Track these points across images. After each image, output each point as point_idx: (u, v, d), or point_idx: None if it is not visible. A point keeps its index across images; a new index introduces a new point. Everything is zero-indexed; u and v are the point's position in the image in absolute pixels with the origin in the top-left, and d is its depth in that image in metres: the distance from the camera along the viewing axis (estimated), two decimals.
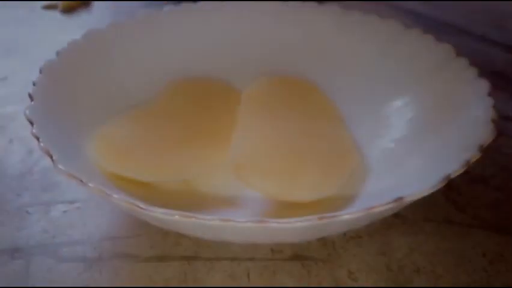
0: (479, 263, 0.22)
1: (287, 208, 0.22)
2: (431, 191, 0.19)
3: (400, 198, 0.18)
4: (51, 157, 0.20)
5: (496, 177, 0.27)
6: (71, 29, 0.41)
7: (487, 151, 0.21)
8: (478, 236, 0.24)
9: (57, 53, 0.26)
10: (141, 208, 0.18)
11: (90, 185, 0.19)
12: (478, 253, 0.23)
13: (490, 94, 0.23)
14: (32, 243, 0.24)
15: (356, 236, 0.24)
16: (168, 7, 0.32)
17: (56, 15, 0.44)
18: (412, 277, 0.22)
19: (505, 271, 0.22)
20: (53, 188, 0.27)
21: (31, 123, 0.21)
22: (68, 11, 0.44)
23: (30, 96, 0.23)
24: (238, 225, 0.17)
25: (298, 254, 0.23)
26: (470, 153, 0.20)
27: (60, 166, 0.19)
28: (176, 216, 0.17)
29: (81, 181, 0.19)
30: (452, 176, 0.19)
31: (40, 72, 0.25)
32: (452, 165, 0.19)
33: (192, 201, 0.23)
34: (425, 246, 0.23)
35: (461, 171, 0.19)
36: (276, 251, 0.23)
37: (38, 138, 0.21)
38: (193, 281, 0.22)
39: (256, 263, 0.22)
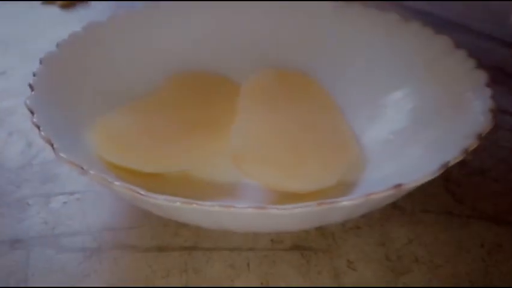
0: (478, 253, 0.23)
1: (287, 198, 0.22)
2: (430, 178, 0.19)
3: (399, 185, 0.18)
4: (52, 145, 0.20)
5: (494, 170, 0.27)
6: (69, 23, 0.41)
7: (485, 144, 0.21)
8: (477, 226, 0.24)
9: (58, 45, 0.26)
10: (142, 195, 0.18)
11: (91, 172, 0.19)
12: (477, 243, 0.23)
13: (488, 85, 0.23)
14: (32, 234, 0.24)
15: (354, 226, 0.24)
16: (167, 1, 0.32)
17: (54, 10, 0.44)
18: (411, 267, 0.22)
19: (503, 261, 0.22)
20: (53, 180, 0.27)
21: (32, 112, 0.21)
22: (66, 7, 0.44)
23: (31, 87, 0.23)
24: (238, 211, 0.17)
25: (297, 244, 0.23)
26: (469, 142, 0.20)
27: (61, 154, 0.19)
28: (177, 203, 0.17)
29: (82, 169, 0.19)
30: (452, 163, 0.19)
31: (40, 63, 0.25)
32: (451, 153, 0.20)
33: (192, 191, 0.23)
34: (423, 236, 0.23)
35: (460, 158, 0.20)
36: (276, 241, 0.23)
37: (38, 127, 0.21)
38: (193, 271, 0.22)
39: (256, 253, 0.23)
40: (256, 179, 0.23)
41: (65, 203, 0.25)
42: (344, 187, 0.23)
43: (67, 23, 0.42)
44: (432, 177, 0.19)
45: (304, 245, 0.23)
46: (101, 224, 0.24)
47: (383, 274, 0.22)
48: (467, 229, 0.24)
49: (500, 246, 0.23)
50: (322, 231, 0.23)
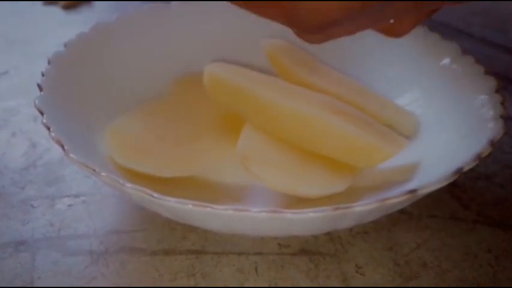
0: (485, 258, 0.23)
1: (297, 202, 0.22)
2: (443, 184, 0.19)
3: (414, 191, 0.18)
4: (62, 147, 0.20)
5: (499, 175, 0.27)
6: (72, 24, 0.41)
7: None
8: (483, 232, 0.24)
9: (65, 44, 0.26)
10: (155, 198, 0.18)
11: (103, 174, 0.19)
12: (484, 249, 0.23)
13: (497, 91, 0.23)
14: (37, 237, 0.23)
15: (362, 231, 0.24)
16: (176, 1, 0.31)
17: (57, 10, 0.44)
18: (419, 272, 0.22)
19: (510, 267, 0.22)
20: (58, 182, 0.26)
21: (41, 113, 0.21)
22: (69, 7, 0.44)
23: (40, 87, 0.23)
24: (252, 215, 0.17)
25: (305, 249, 0.23)
26: (482, 148, 0.20)
27: (72, 156, 0.19)
28: (190, 206, 0.17)
29: (94, 171, 0.19)
30: (465, 170, 0.19)
31: (48, 63, 0.25)
32: (463, 159, 0.20)
33: (200, 194, 0.23)
34: (431, 241, 0.23)
35: (473, 164, 0.20)
36: (283, 246, 0.23)
37: (49, 128, 0.20)
38: (201, 275, 0.22)
39: (264, 257, 0.23)
40: (263, 181, 0.23)
41: (70, 205, 0.25)
42: (356, 191, 0.23)
43: (69, 24, 0.42)
44: (447, 183, 0.19)
45: (312, 249, 0.23)
46: (107, 227, 0.24)
47: (391, 279, 0.22)
48: (474, 234, 0.24)
49: (508, 252, 0.23)
50: (330, 235, 0.23)
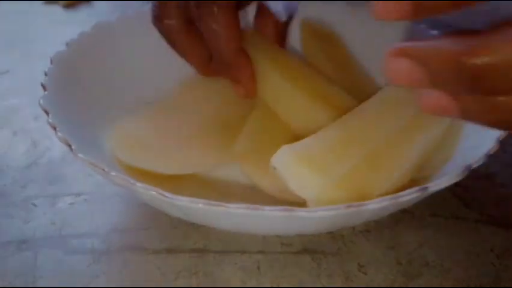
0: (487, 257, 0.23)
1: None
2: (454, 181, 0.19)
3: (424, 188, 0.18)
4: (70, 146, 0.20)
5: (500, 175, 0.27)
6: (72, 23, 0.41)
7: None
8: (485, 231, 0.24)
9: (67, 44, 0.26)
10: (166, 197, 0.18)
11: (113, 174, 0.19)
12: (486, 248, 0.23)
13: None
14: (39, 235, 0.23)
15: (364, 230, 0.24)
16: None
17: (57, 9, 0.44)
18: (421, 271, 0.22)
19: None
20: (59, 180, 0.26)
21: (47, 112, 0.21)
22: (69, 7, 0.44)
23: (43, 86, 0.23)
24: (266, 213, 0.17)
25: (307, 248, 0.23)
26: (489, 145, 0.20)
27: (81, 155, 0.19)
28: (201, 205, 0.17)
29: (103, 170, 0.19)
30: (474, 167, 0.19)
31: (51, 62, 0.25)
32: (471, 156, 0.20)
33: (205, 193, 0.23)
34: (433, 240, 0.23)
35: (481, 162, 0.20)
36: (285, 244, 0.23)
37: (55, 128, 0.20)
38: (204, 273, 0.22)
39: (266, 255, 0.23)
40: (257, 183, 0.23)
41: (72, 204, 0.25)
42: None
43: (69, 23, 0.42)
44: (457, 180, 0.19)
45: (315, 248, 0.23)
46: (109, 226, 0.24)
47: (393, 278, 0.22)
48: (476, 233, 0.24)
49: (510, 251, 0.23)
50: (332, 234, 0.23)
